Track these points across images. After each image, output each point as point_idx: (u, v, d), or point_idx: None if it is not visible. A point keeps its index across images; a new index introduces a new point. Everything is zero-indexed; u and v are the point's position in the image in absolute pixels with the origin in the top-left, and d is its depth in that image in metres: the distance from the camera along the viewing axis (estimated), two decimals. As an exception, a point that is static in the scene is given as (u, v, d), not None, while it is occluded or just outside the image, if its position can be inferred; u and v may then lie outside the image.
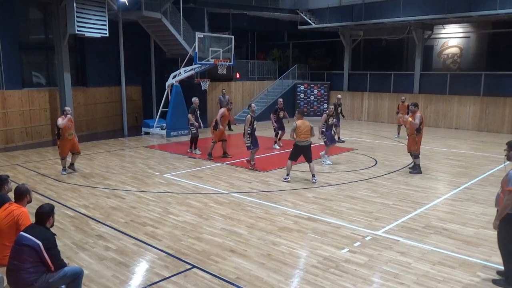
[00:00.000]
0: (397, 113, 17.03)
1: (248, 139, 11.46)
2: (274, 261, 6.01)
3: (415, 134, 10.85)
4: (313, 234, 7.01)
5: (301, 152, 10.12)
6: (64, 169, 11.06)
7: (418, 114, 10.85)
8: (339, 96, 16.89)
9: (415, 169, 11.13)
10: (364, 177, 10.71)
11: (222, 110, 12.91)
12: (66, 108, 11.19)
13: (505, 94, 18.47)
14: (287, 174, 10.33)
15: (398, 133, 17.29)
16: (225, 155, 13.03)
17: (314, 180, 10.09)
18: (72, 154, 11.16)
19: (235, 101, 22.17)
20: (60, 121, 10.53)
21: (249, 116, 11.54)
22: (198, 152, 13.61)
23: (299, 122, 10.06)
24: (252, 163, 11.58)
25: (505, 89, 18.58)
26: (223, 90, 19.08)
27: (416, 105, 11.11)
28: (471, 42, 22.13)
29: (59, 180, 10.41)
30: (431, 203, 8.64)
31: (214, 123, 12.75)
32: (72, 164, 11.24)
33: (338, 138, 15.58)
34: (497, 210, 5.34)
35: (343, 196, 9.13)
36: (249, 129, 11.40)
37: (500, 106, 18.60)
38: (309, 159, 10.14)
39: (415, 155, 11.10)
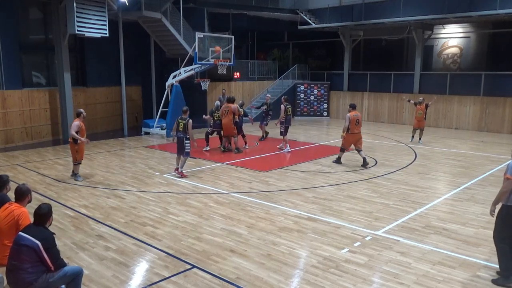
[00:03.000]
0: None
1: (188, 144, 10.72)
2: (274, 261, 6.01)
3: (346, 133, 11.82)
4: (313, 234, 7.01)
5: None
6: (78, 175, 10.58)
7: (348, 114, 11.69)
8: (269, 95, 17.19)
9: (337, 160, 12.14)
10: (364, 177, 10.71)
11: (77, 123, 12.24)
12: (82, 110, 10.67)
13: (505, 94, 18.48)
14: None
15: (420, 138, 15.75)
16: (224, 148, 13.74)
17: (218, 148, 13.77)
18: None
19: (236, 101, 22.12)
20: (77, 123, 10.08)
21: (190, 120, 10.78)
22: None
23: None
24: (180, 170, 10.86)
25: (505, 89, 18.57)
26: (223, 90, 19.09)
27: (351, 106, 12.06)
28: (471, 42, 22.13)
29: (59, 180, 10.42)
30: (431, 203, 8.64)
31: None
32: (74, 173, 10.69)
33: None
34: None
35: (343, 196, 9.13)
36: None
37: (500, 106, 18.60)
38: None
39: (341, 148, 12.08)
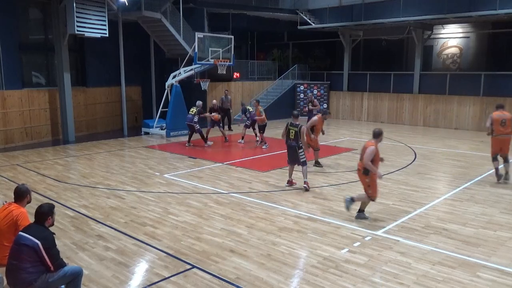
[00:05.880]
0: None
1: (303, 152, 9.59)
2: (274, 261, 6.01)
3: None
4: (313, 234, 7.01)
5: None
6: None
7: (490, 114, 10.25)
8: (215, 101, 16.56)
9: (498, 176, 10.16)
10: (364, 177, 10.69)
11: (315, 118, 11.61)
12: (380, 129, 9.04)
13: (505, 94, 18.45)
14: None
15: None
16: (317, 164, 11.87)
17: None
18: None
19: (235, 102, 22.13)
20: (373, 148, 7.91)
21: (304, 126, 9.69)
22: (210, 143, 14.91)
23: None
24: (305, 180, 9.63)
25: (505, 89, 18.56)
26: (226, 91, 19.20)
27: (497, 105, 10.29)
28: (471, 42, 22.14)
29: (59, 180, 10.41)
30: (431, 203, 8.64)
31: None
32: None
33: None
34: None
35: (343, 196, 9.09)
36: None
37: (500, 106, 18.57)
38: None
39: (492, 158, 10.28)
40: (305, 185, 9.50)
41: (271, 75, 25.15)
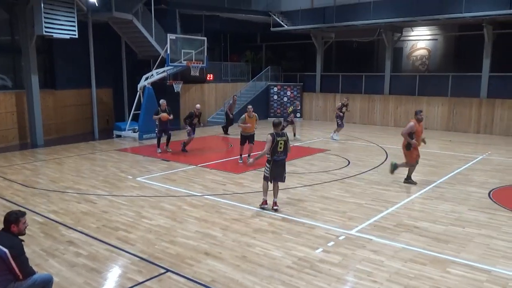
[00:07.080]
0: None
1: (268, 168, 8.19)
2: (249, 263, 6.00)
3: None
4: (287, 235, 7.04)
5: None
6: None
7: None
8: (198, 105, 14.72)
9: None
10: (337, 178, 10.83)
11: (412, 123, 9.72)
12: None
13: (471, 95, 19.10)
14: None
15: None
16: (409, 180, 10.25)
17: None
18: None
19: (209, 103, 22.06)
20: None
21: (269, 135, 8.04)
22: (159, 150, 14.03)
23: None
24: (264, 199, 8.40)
25: (471, 90, 19.19)
26: (235, 96, 19.51)
27: None
28: (439, 44, 22.74)
29: (26, 186, 10.11)
30: (402, 201, 8.82)
31: (405, 142, 9.93)
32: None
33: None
34: None
35: (316, 196, 9.21)
36: (268, 155, 8.05)
37: (467, 107, 19.19)
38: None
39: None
40: (276, 207, 8.18)
41: (244, 77, 25.17)
